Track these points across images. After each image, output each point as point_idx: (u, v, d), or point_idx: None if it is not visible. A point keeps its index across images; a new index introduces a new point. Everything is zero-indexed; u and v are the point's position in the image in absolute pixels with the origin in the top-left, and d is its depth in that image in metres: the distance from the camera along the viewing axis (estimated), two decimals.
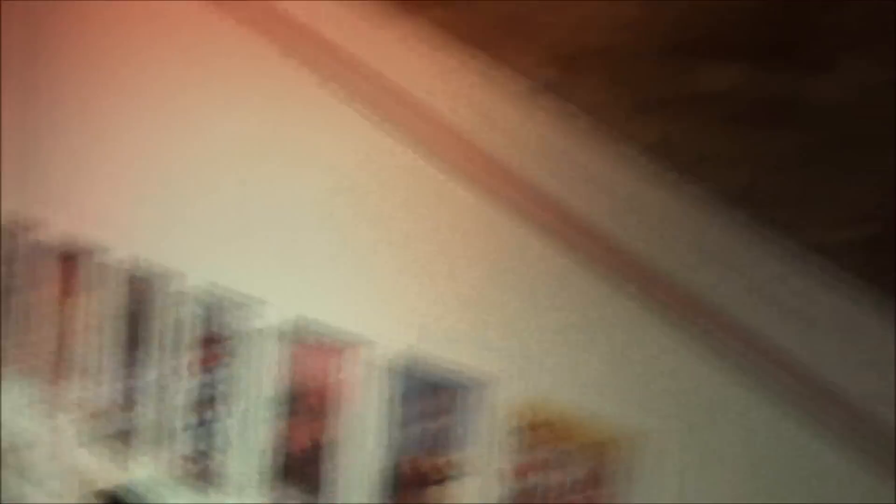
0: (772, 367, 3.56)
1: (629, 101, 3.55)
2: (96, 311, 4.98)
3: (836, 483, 3.43)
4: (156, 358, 4.67)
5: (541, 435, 3.94)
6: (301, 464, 4.31)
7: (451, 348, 4.12)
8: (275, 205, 4.29)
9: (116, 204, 4.78)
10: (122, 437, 4.81)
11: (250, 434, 4.41)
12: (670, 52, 3.47)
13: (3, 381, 5.20)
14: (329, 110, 4.10)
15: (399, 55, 3.85)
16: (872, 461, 3.37)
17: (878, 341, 3.47)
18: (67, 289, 5.11)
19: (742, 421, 3.59)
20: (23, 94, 5.13)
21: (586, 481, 3.85)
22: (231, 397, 4.46)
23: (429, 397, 4.10)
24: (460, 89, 3.82)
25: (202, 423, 4.60)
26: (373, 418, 4.15)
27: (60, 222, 5.07)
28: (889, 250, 3.42)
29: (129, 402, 4.84)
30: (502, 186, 3.82)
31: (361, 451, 4.18)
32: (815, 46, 3.30)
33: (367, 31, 3.87)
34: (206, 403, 4.59)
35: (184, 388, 4.60)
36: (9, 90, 5.10)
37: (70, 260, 5.06)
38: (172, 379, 4.64)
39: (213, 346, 4.49)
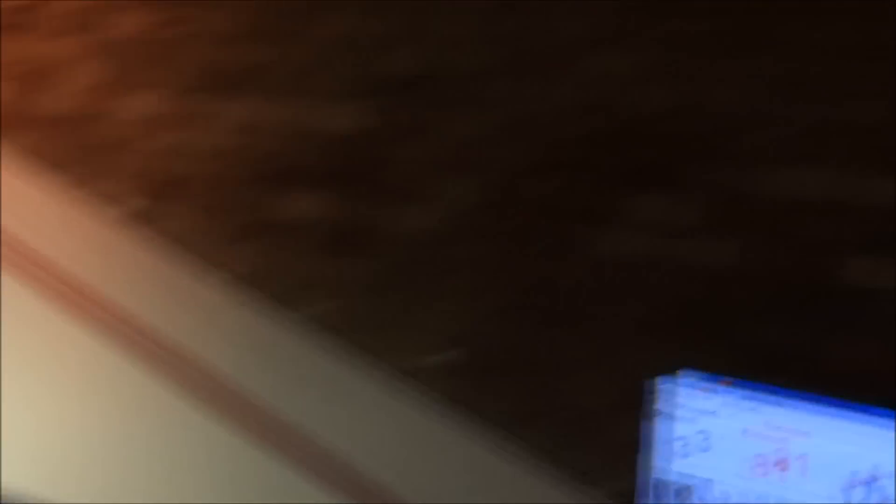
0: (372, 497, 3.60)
1: (221, 230, 3.57)
2: None
3: None
4: None
5: None
6: None
7: (36, 484, 4.04)
8: None
9: None
10: None
11: None
12: (260, 182, 3.52)
13: None
14: None
15: None
16: None
17: (469, 466, 3.55)
18: None
19: None
20: None
21: None
22: None
23: None
24: (51, 216, 3.77)
25: None
26: None
27: None
28: (473, 375, 3.52)
29: None
30: (96, 314, 3.77)
31: None
32: (399, 176, 3.40)
33: None
34: None
35: None
36: None
37: None
38: None
39: None
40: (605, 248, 3.25)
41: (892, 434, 2.70)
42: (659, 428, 2.99)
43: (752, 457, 2.86)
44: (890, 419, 2.72)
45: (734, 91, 3.04)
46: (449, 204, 3.37)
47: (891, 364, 2.91)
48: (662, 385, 2.98)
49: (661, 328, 3.17)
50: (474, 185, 3.35)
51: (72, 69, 3.71)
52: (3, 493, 3.95)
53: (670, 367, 3.00)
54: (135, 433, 3.92)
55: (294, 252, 3.55)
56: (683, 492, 2.96)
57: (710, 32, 3.07)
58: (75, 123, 3.55)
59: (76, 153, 3.62)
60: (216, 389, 3.72)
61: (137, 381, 3.81)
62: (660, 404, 2.99)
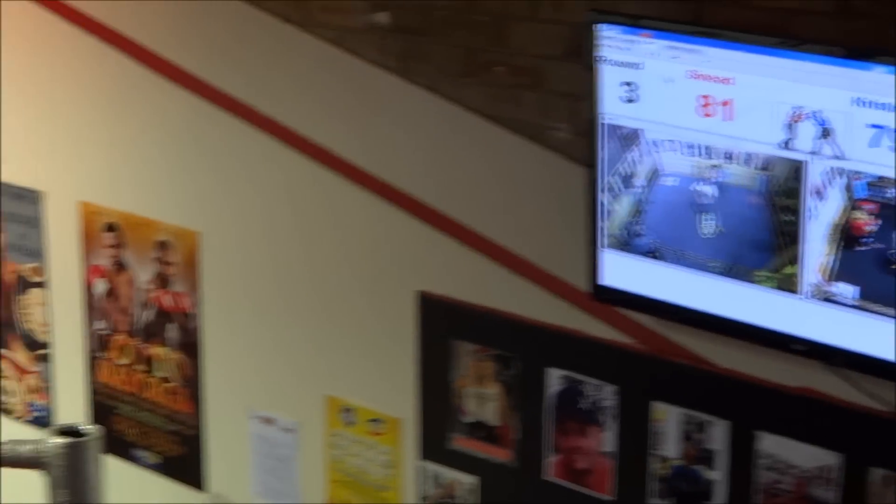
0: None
1: None
2: None
3: None
4: None
5: (112, 236, 4.06)
6: None
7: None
8: None
9: None
10: None
11: None
12: None
13: None
14: None
15: None
16: None
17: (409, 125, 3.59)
18: None
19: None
20: None
21: (158, 279, 4.00)
22: None
23: None
24: None
25: None
26: None
27: None
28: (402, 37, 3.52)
29: None
30: None
31: None
32: None
33: None
34: None
35: None
36: None
37: None
38: None
39: None
40: None
41: (836, 69, 2.81)
42: (601, 76, 3.10)
43: (694, 98, 2.99)
44: (825, 61, 2.82)
45: None
46: None
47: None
48: (602, 34, 3.07)
49: None
50: None
51: None
52: None
53: (602, 17, 3.07)
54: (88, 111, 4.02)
55: None
56: (631, 135, 3.10)
57: None
58: None
59: None
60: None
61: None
62: (600, 53, 3.08)
